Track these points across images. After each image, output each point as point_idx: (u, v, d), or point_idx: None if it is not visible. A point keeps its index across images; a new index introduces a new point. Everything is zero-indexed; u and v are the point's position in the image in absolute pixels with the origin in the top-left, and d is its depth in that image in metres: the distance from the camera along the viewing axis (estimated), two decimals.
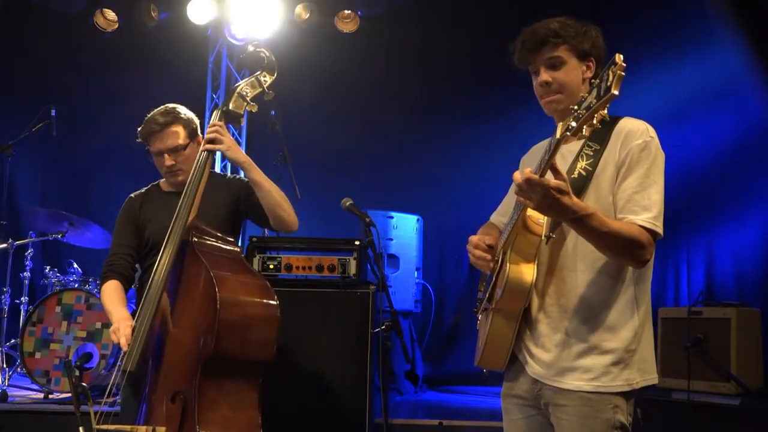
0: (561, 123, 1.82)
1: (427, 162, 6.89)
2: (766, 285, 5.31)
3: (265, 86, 2.90)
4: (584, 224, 1.89)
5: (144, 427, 2.45)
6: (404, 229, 5.99)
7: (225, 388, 2.53)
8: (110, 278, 2.91)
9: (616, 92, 1.66)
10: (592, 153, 2.06)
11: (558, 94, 2.11)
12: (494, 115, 6.64)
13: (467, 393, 5.94)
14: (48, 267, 5.50)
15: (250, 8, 6.75)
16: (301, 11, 6.76)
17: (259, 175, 2.86)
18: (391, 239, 5.85)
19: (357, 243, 3.95)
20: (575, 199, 1.89)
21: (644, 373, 2.04)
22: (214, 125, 2.81)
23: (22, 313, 5.40)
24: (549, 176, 1.86)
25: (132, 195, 3.08)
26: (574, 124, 1.76)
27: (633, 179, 2.01)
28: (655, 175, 2.02)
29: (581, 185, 2.04)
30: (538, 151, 2.32)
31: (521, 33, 2.16)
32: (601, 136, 2.04)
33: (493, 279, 2.15)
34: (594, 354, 2.01)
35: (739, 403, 3.94)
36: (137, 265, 3.04)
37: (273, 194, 2.87)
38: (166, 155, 2.91)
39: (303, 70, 6.91)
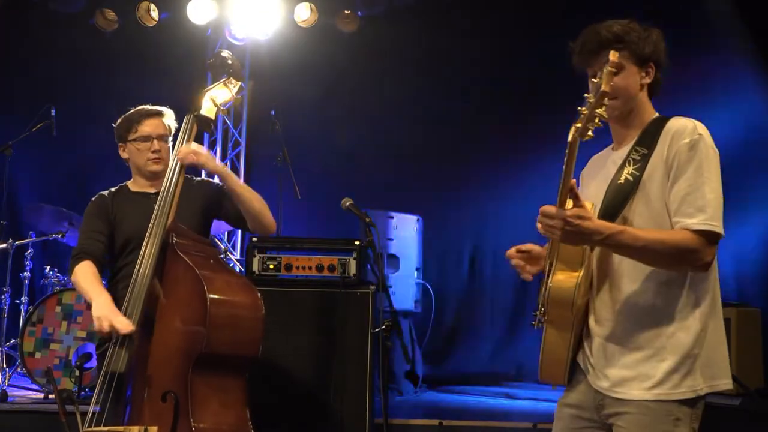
0: (572, 128, 1.80)
1: (427, 162, 6.88)
2: (766, 285, 5.31)
3: (233, 92, 2.93)
4: (616, 243, 1.87)
5: (136, 428, 2.47)
6: (404, 229, 5.97)
7: (215, 384, 2.59)
8: (83, 259, 2.85)
9: (605, 89, 1.72)
10: (639, 157, 2.02)
11: (613, 99, 2.01)
12: (494, 115, 6.63)
13: (467, 393, 5.93)
14: (48, 267, 5.50)
15: (250, 8, 6.75)
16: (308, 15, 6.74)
17: (236, 184, 2.89)
18: (391, 239, 5.84)
19: (357, 243, 3.95)
20: (598, 221, 1.87)
21: (710, 379, 1.97)
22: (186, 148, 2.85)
23: (22, 313, 5.39)
24: (569, 203, 1.84)
25: (103, 192, 3.06)
26: (579, 125, 1.77)
27: (684, 180, 1.94)
28: (708, 173, 1.94)
29: (628, 191, 2.00)
30: (596, 162, 2.27)
31: (582, 34, 2.09)
32: (648, 139, 2.02)
33: (543, 290, 2.10)
34: (653, 361, 1.96)
35: (739, 403, 3.94)
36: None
37: (253, 202, 2.89)
38: (155, 140, 2.94)
39: (303, 70, 6.91)
